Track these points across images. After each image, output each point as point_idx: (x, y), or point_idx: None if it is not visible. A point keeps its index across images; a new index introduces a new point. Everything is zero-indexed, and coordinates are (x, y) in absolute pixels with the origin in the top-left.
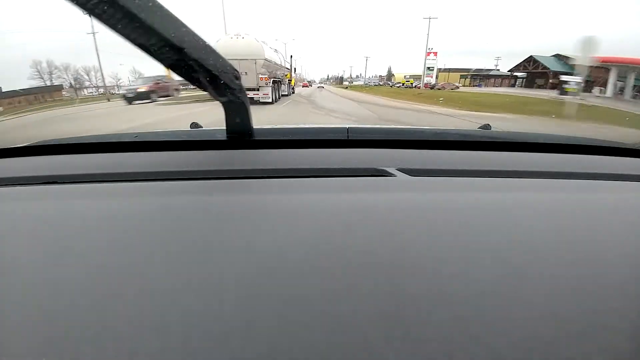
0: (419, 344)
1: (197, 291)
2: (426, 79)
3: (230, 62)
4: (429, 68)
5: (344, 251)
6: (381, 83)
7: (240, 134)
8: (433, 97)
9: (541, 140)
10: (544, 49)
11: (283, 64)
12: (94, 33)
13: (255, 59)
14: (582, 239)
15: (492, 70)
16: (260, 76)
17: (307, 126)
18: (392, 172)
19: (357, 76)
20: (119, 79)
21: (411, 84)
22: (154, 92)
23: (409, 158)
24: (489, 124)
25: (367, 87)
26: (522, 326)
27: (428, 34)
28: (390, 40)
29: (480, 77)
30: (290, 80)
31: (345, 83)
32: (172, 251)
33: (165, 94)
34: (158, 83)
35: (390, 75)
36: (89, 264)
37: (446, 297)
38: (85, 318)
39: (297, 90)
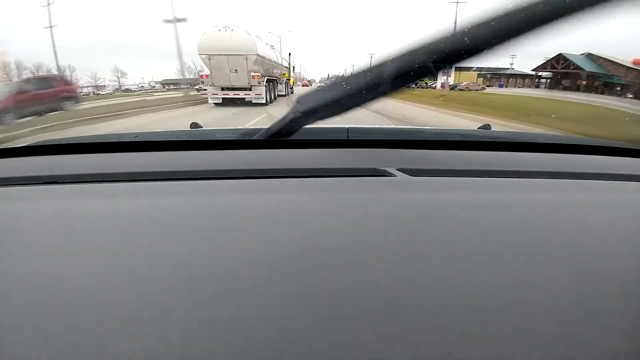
0: (419, 344)
1: (198, 291)
2: (442, 78)
3: (218, 58)
4: None
5: (344, 251)
6: None
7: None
8: (468, 103)
9: (541, 141)
10: (546, 49)
11: (280, 62)
12: (51, 27)
13: (246, 55)
14: (582, 239)
15: (507, 69)
16: (252, 74)
17: (306, 126)
18: (392, 172)
19: None
20: (98, 79)
21: (426, 83)
22: (9, 110)
23: (409, 158)
24: (489, 124)
25: None
26: (522, 326)
27: (455, 22)
28: (394, 39)
29: (499, 76)
30: (289, 79)
31: None
32: (173, 251)
33: (39, 107)
34: (23, 94)
35: None
36: (90, 265)
37: (446, 297)
38: (85, 318)
39: (296, 89)
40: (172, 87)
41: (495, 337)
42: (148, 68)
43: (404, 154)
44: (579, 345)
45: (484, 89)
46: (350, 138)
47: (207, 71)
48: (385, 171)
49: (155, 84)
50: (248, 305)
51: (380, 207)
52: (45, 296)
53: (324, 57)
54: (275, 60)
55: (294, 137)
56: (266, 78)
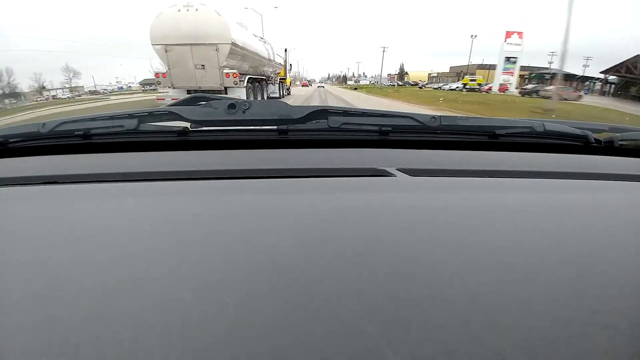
0: (419, 344)
1: (198, 291)
2: (501, 78)
3: (177, 49)
4: (508, 59)
5: (345, 251)
6: (400, 83)
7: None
8: None
9: (541, 140)
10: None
11: (271, 57)
12: None
13: (216, 45)
14: (582, 238)
15: (549, 69)
16: (225, 71)
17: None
18: (392, 172)
19: (360, 75)
20: (43, 81)
21: (479, 84)
22: None
23: (409, 158)
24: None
25: (390, 89)
26: (522, 326)
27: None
28: (401, 36)
29: (551, 77)
30: (285, 78)
31: (350, 82)
32: (174, 251)
33: None
34: None
35: (402, 73)
36: (90, 264)
37: (447, 297)
38: (85, 318)
39: (294, 90)
40: (149, 87)
41: (495, 336)
42: (130, 67)
43: (404, 154)
44: (579, 345)
45: (581, 96)
46: (350, 138)
47: (165, 68)
48: (385, 171)
49: (131, 84)
50: (249, 305)
51: (380, 207)
52: (45, 296)
53: (324, 57)
54: (266, 55)
55: (293, 137)
56: (248, 77)
